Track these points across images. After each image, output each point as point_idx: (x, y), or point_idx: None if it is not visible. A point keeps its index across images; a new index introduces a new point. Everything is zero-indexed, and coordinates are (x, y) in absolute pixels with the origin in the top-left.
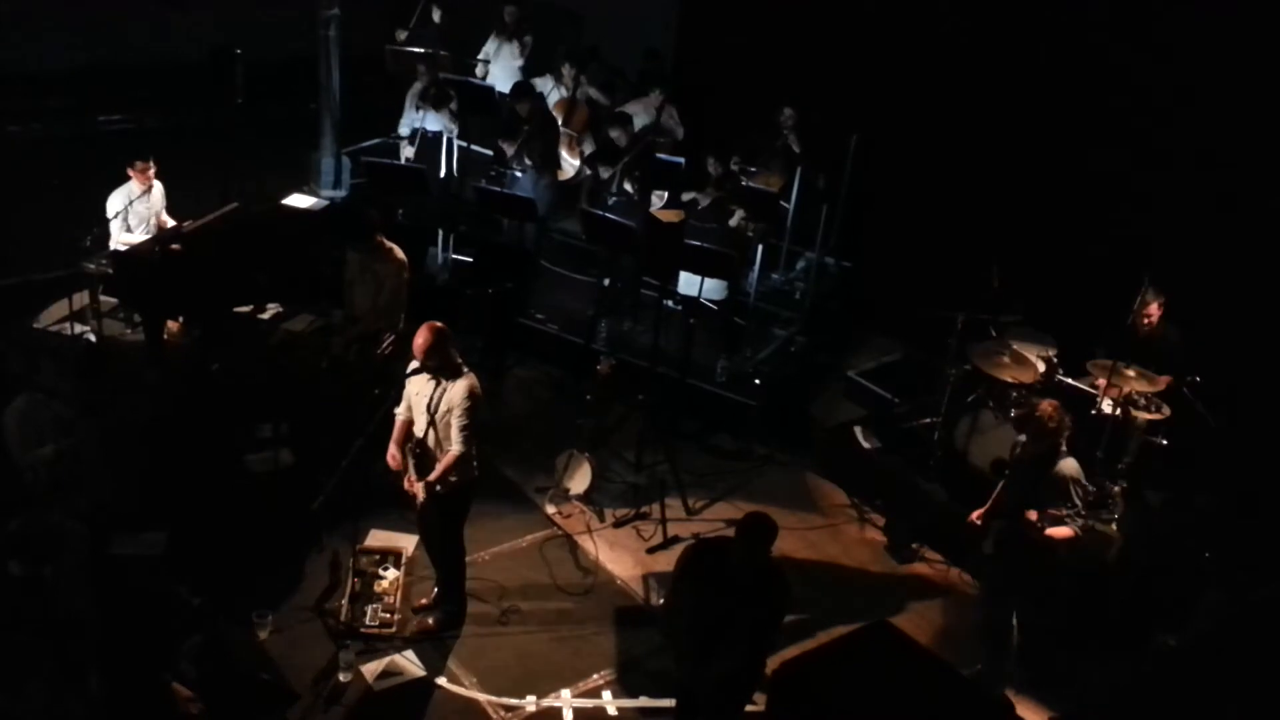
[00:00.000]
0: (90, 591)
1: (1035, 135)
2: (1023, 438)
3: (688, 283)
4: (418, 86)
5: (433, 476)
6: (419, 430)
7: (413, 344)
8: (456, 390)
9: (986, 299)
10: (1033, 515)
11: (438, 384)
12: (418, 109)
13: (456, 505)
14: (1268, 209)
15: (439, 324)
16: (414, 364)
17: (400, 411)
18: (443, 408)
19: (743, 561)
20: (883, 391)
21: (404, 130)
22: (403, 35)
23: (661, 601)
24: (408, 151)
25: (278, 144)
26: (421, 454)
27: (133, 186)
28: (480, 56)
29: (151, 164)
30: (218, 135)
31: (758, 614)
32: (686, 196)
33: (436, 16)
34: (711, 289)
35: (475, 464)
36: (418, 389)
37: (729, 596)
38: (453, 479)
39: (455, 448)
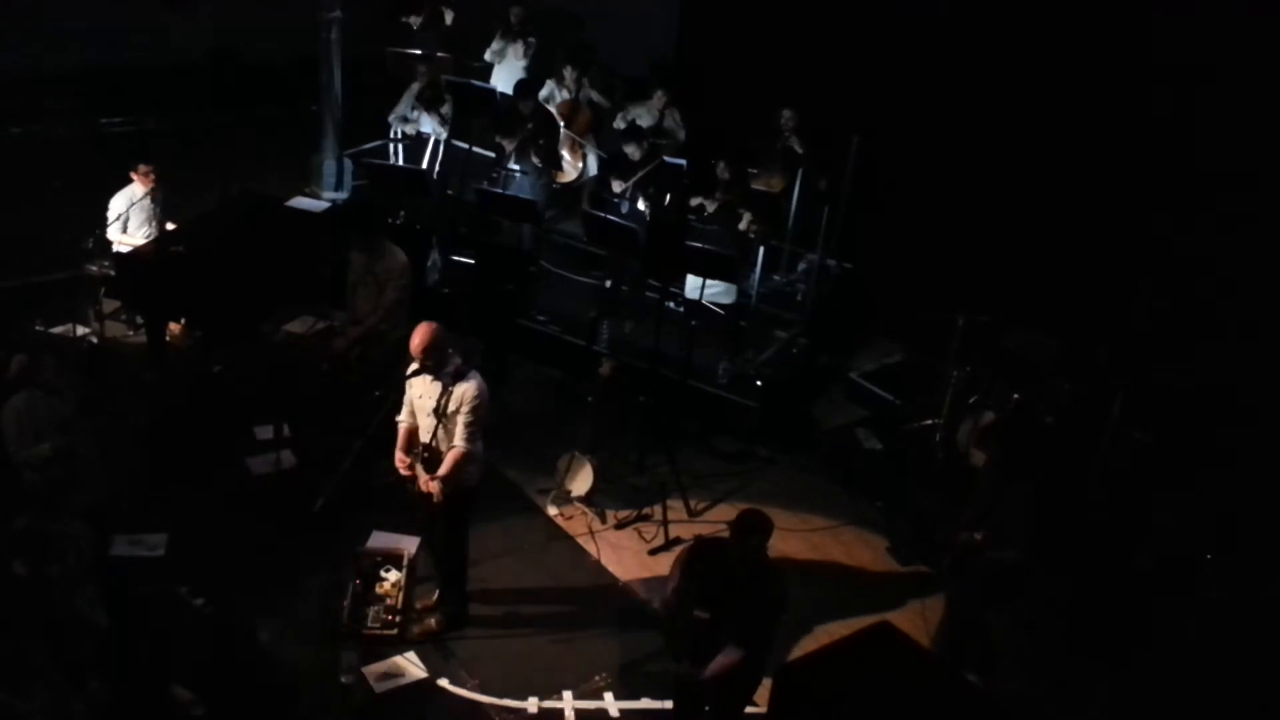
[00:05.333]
0: (93, 593)
1: (1035, 136)
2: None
3: (691, 286)
4: (416, 86)
5: (442, 471)
6: (425, 434)
7: (410, 343)
8: (465, 390)
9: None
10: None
11: (443, 386)
12: (413, 109)
13: (463, 505)
14: (1270, 208)
15: (434, 323)
16: (414, 365)
17: (403, 418)
18: (450, 408)
19: (737, 556)
20: (884, 393)
21: (395, 123)
22: (416, 21)
23: (662, 603)
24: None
25: (279, 146)
26: (430, 458)
27: (135, 189)
28: (488, 56)
29: (153, 167)
30: (219, 137)
31: (752, 610)
32: (694, 202)
33: (449, 19)
34: (720, 293)
35: (482, 464)
36: (421, 392)
37: (726, 594)
38: (460, 476)
39: (459, 444)
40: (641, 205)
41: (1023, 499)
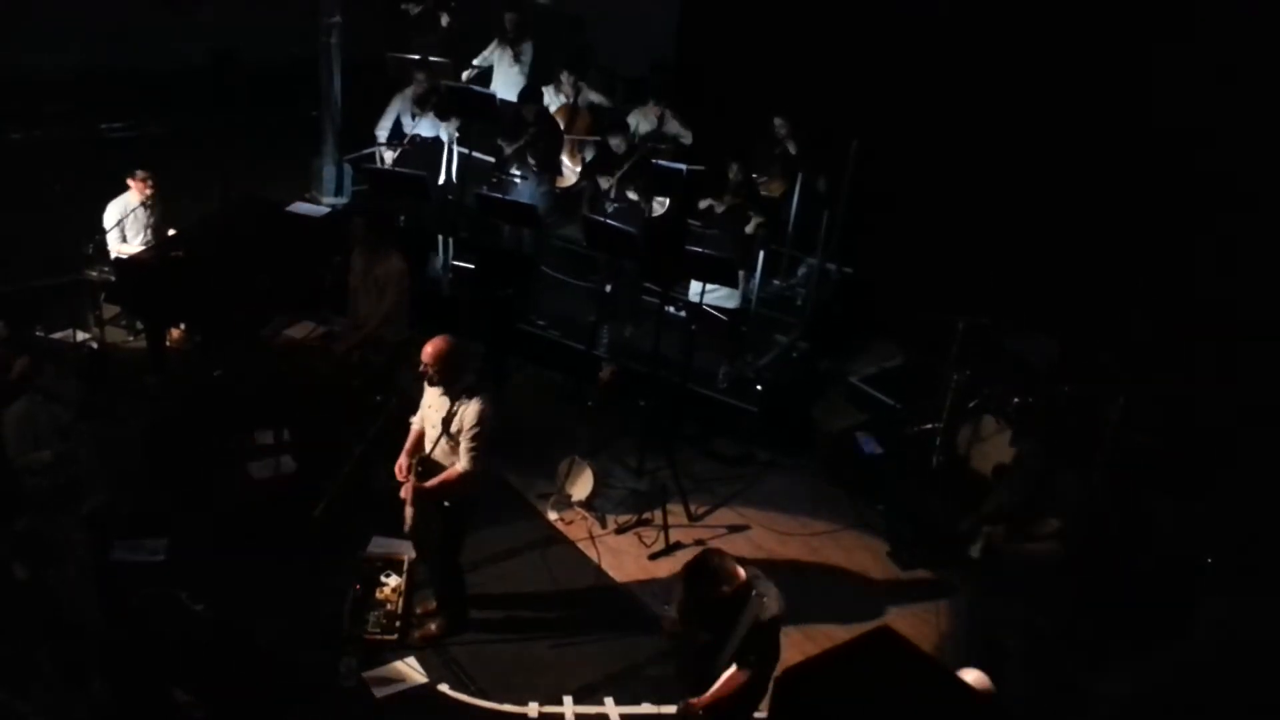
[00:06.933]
0: (93, 597)
1: (1035, 139)
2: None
3: (693, 289)
4: (409, 91)
5: (430, 484)
6: (429, 443)
7: (423, 351)
8: (470, 410)
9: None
10: None
11: (452, 400)
12: (413, 115)
13: (459, 520)
14: (1270, 209)
15: (452, 338)
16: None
17: (416, 420)
18: (454, 426)
19: (693, 607)
20: (884, 397)
21: (382, 134)
22: (414, 7)
23: (665, 607)
24: (388, 156)
25: (279, 150)
26: (425, 470)
27: (130, 197)
28: (476, 61)
29: (150, 176)
30: (219, 141)
31: (744, 631)
32: (704, 204)
33: (444, 21)
34: (723, 297)
35: (476, 483)
36: (431, 402)
37: (722, 614)
38: (451, 492)
39: (461, 464)
40: (633, 195)
41: (1071, 486)
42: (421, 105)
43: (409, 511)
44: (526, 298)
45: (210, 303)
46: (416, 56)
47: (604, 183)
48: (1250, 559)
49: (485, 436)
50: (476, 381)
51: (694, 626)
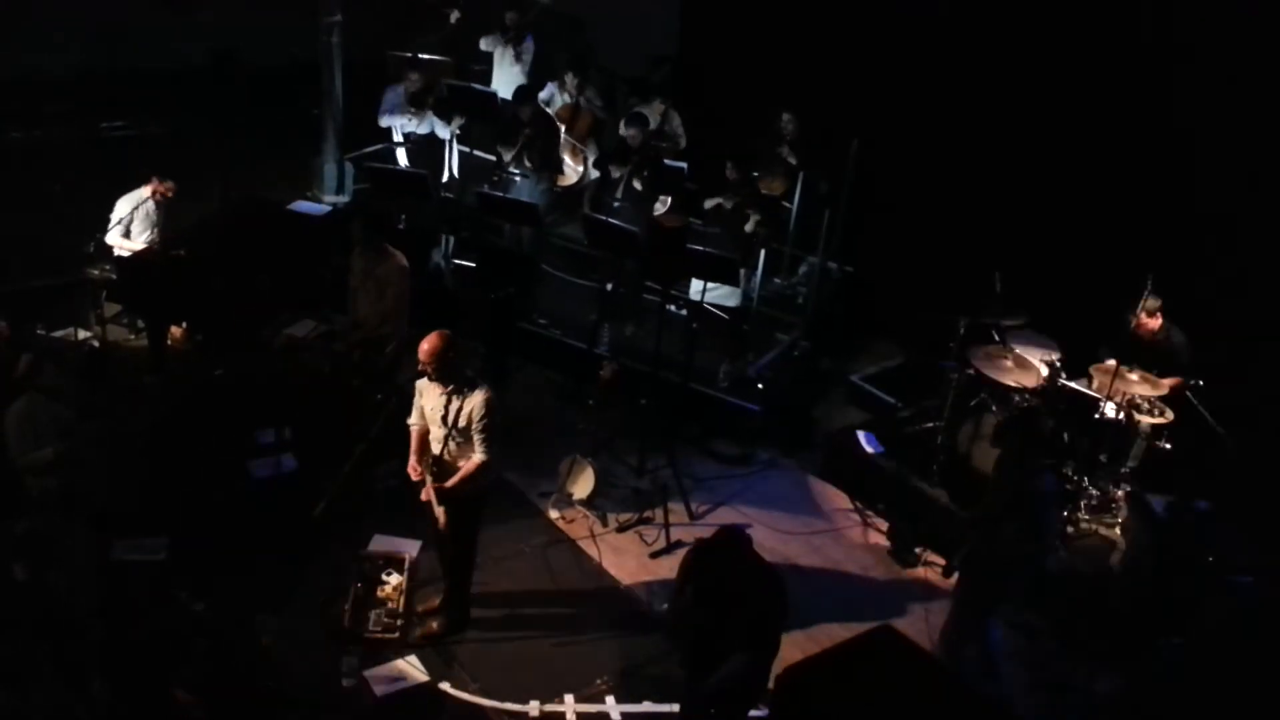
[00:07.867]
0: (94, 596)
1: (1036, 138)
2: None
3: (694, 288)
4: (402, 88)
5: (453, 482)
6: (436, 443)
7: (419, 349)
8: (474, 401)
9: (989, 303)
10: None
11: (451, 396)
12: (408, 115)
13: (473, 511)
14: (1269, 209)
15: (447, 332)
16: (419, 368)
17: (413, 421)
18: (460, 421)
19: (720, 578)
20: (885, 396)
21: (392, 128)
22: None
23: (666, 606)
24: (403, 156)
25: (280, 150)
26: (440, 470)
27: (143, 193)
28: (482, 46)
29: (173, 187)
30: (219, 141)
31: (750, 617)
32: (710, 203)
33: (453, 18)
34: (724, 296)
35: (492, 470)
36: (431, 403)
37: (728, 597)
38: (473, 486)
39: (479, 455)
40: (638, 185)
41: (1044, 492)
42: (416, 103)
43: (439, 511)
44: (527, 296)
45: (211, 302)
46: (409, 54)
47: (615, 171)
48: (1251, 558)
49: (495, 424)
50: (472, 374)
51: (699, 612)
